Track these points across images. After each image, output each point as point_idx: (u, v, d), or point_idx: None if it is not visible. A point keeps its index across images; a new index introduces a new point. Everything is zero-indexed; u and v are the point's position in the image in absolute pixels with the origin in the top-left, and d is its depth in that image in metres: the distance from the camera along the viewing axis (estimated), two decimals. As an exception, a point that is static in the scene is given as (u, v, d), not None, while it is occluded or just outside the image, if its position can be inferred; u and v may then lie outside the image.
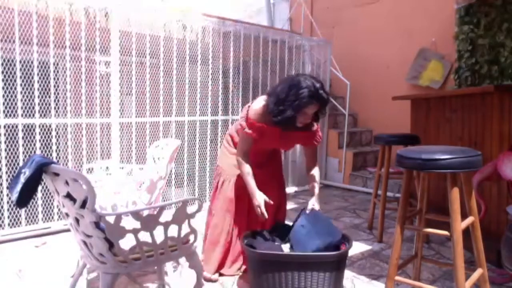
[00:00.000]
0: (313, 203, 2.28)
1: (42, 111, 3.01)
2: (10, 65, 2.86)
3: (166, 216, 1.65)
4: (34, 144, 2.99)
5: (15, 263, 2.51)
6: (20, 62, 2.87)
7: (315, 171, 2.46)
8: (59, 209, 3.06)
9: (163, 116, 3.60)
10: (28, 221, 3.03)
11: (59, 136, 3.19)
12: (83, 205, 1.50)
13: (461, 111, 2.88)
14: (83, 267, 1.92)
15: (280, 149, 2.63)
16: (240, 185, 2.35)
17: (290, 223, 2.34)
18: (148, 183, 2.25)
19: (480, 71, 4.16)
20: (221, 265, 2.38)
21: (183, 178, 3.78)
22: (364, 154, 5.16)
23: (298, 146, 4.92)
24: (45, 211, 3.10)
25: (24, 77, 2.93)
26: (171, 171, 3.57)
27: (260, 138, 2.23)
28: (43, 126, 3.03)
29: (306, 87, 2.03)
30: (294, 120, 2.10)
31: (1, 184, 2.89)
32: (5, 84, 2.85)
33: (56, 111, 3.13)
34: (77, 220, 1.59)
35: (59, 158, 3.21)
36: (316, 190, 2.39)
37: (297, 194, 4.63)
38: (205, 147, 3.93)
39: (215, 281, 2.32)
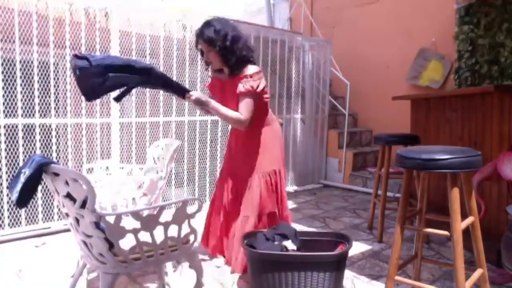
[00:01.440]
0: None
1: (42, 111, 3.01)
2: (10, 65, 2.86)
3: (166, 216, 1.65)
4: (34, 144, 2.99)
5: (15, 263, 2.51)
6: (20, 62, 2.87)
7: (229, 110, 2.31)
8: (59, 209, 3.06)
9: (163, 116, 3.60)
10: (28, 221, 3.03)
11: (59, 136, 3.19)
12: (83, 205, 1.50)
13: (461, 111, 2.88)
14: (83, 267, 1.92)
15: (223, 102, 2.44)
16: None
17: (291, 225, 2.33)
18: (148, 183, 2.25)
19: (480, 71, 4.16)
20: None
21: (183, 178, 3.78)
22: (364, 154, 5.16)
23: (298, 147, 4.93)
24: (45, 211, 3.10)
25: (24, 77, 2.93)
26: (171, 171, 3.57)
27: (213, 91, 2.50)
28: (43, 126, 3.03)
29: None
30: (205, 60, 2.35)
31: (1, 184, 2.89)
32: (5, 84, 2.85)
33: (56, 111, 3.13)
34: (77, 220, 1.59)
35: (59, 158, 3.21)
36: (212, 100, 2.29)
37: (297, 194, 4.63)
38: (205, 147, 3.93)
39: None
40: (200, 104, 2.23)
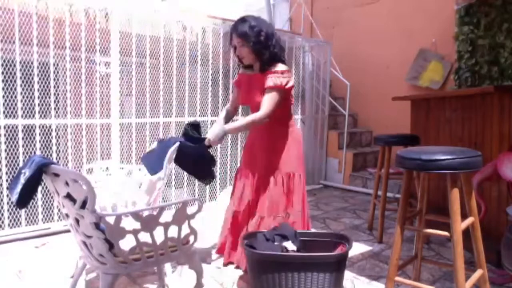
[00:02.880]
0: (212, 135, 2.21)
1: (42, 112, 3.01)
2: (10, 65, 2.86)
3: (166, 216, 1.65)
4: (34, 145, 2.99)
5: (15, 264, 2.51)
6: (20, 62, 2.87)
7: (246, 117, 2.32)
8: (59, 210, 3.06)
9: (163, 116, 3.60)
10: (28, 222, 3.03)
11: (59, 137, 3.19)
12: (83, 205, 1.50)
13: (461, 112, 2.88)
14: (83, 268, 1.92)
15: (246, 98, 2.50)
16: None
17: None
18: (147, 184, 2.25)
19: (480, 72, 4.16)
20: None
21: (183, 178, 3.78)
22: (364, 154, 5.16)
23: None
24: (45, 212, 3.10)
25: (24, 78, 2.93)
26: (170, 171, 3.57)
27: (238, 85, 2.51)
28: (43, 126, 3.03)
29: None
30: (237, 56, 2.38)
31: (1, 185, 2.89)
32: (5, 84, 2.85)
33: (56, 112, 3.13)
34: (77, 221, 1.59)
35: (59, 158, 3.21)
36: (227, 125, 2.30)
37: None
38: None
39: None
40: (221, 139, 2.23)
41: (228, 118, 2.54)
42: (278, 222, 2.38)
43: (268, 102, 2.25)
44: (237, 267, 2.38)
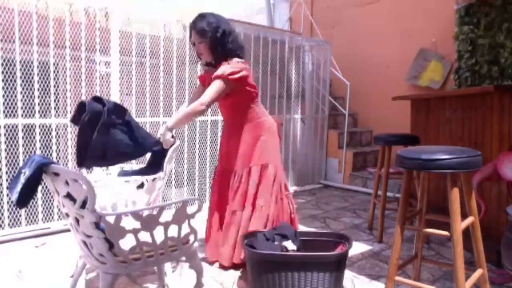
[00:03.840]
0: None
1: (42, 111, 3.01)
2: (10, 65, 2.86)
3: (166, 216, 1.65)
4: (34, 144, 2.99)
5: (15, 263, 2.51)
6: (20, 62, 2.87)
7: (186, 108, 2.32)
8: (59, 209, 3.06)
9: (163, 116, 3.60)
10: (28, 221, 3.03)
11: (59, 136, 3.19)
12: (83, 205, 1.50)
13: (461, 111, 2.88)
14: (83, 267, 1.92)
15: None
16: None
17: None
18: (147, 183, 2.25)
19: (480, 71, 4.16)
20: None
21: (183, 178, 3.78)
22: (364, 154, 5.16)
23: (298, 147, 4.93)
24: (45, 211, 3.10)
25: (24, 77, 2.93)
26: (171, 171, 3.57)
27: (203, 82, 2.52)
28: (43, 126, 3.03)
29: None
30: (196, 52, 2.41)
31: (1, 184, 2.89)
32: (5, 84, 2.85)
33: (56, 111, 3.13)
34: (77, 220, 1.59)
35: (59, 158, 3.21)
36: (168, 121, 2.25)
37: (297, 194, 4.63)
38: (205, 147, 3.93)
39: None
40: (169, 136, 2.20)
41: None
42: (248, 215, 2.38)
43: (208, 90, 2.26)
44: (223, 266, 2.42)
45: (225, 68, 2.27)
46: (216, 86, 2.26)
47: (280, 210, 2.48)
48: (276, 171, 2.46)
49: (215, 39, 2.29)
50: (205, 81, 2.49)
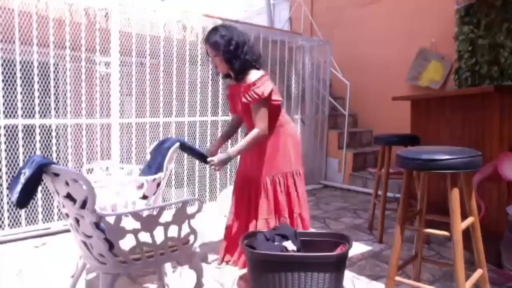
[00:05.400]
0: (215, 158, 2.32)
1: (42, 112, 3.01)
2: (10, 65, 2.86)
3: (166, 216, 1.65)
4: (34, 145, 2.99)
5: (15, 264, 2.51)
6: (20, 62, 2.87)
7: (246, 137, 2.39)
8: (59, 210, 3.06)
9: (163, 116, 3.60)
10: (28, 222, 3.03)
11: (59, 137, 3.19)
12: (83, 205, 1.50)
13: (461, 112, 2.88)
14: (83, 268, 1.92)
15: (234, 108, 2.57)
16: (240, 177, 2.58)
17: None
18: (147, 184, 2.25)
19: (480, 72, 4.16)
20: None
21: (183, 178, 3.78)
22: (364, 154, 5.16)
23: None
24: (45, 212, 3.10)
25: (24, 78, 2.93)
26: (171, 171, 3.57)
27: (229, 99, 2.56)
28: (43, 126, 3.02)
29: None
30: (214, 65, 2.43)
31: (1, 185, 2.89)
32: (5, 84, 2.85)
33: (56, 112, 3.13)
34: (77, 221, 1.59)
35: (59, 158, 3.21)
36: (231, 150, 2.37)
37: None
38: (205, 147, 3.93)
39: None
40: (225, 163, 2.32)
41: (233, 127, 2.68)
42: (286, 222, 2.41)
43: (257, 117, 2.30)
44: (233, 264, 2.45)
45: (256, 91, 2.28)
46: (261, 111, 2.30)
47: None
48: (302, 178, 2.53)
49: (229, 52, 2.28)
50: (232, 95, 2.51)
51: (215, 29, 2.34)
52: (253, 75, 2.31)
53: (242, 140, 2.38)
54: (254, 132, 2.31)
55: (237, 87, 2.38)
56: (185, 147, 2.34)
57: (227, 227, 2.57)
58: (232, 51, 2.28)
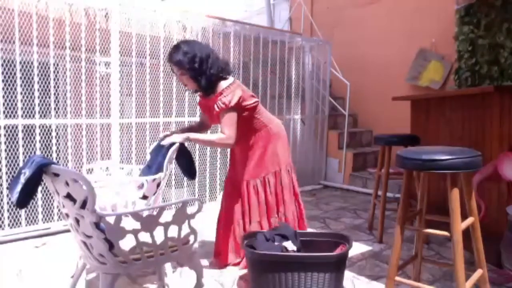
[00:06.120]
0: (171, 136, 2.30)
1: (42, 112, 3.01)
2: (10, 66, 2.86)
3: (166, 216, 1.65)
4: (34, 145, 2.99)
5: (15, 264, 2.51)
6: (20, 63, 2.87)
7: (212, 134, 2.45)
8: (59, 210, 3.06)
9: (163, 116, 3.60)
10: (28, 222, 3.03)
11: (59, 137, 3.19)
12: (83, 205, 1.50)
13: (461, 112, 2.88)
14: (83, 268, 1.92)
15: (211, 120, 2.57)
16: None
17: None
18: (147, 184, 2.25)
19: (480, 72, 4.16)
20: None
21: (183, 178, 3.77)
22: (364, 154, 5.16)
23: (298, 147, 4.93)
24: (45, 212, 3.10)
25: (24, 78, 2.93)
26: (171, 171, 3.57)
27: (202, 109, 2.57)
28: (43, 126, 3.03)
29: None
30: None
31: (1, 185, 2.89)
32: (5, 84, 2.85)
33: (56, 112, 3.13)
34: (77, 221, 1.59)
35: (59, 158, 3.21)
36: (192, 134, 2.37)
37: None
38: (205, 147, 3.93)
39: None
40: (180, 138, 2.28)
41: (200, 126, 2.66)
42: (274, 223, 2.41)
43: (223, 123, 2.30)
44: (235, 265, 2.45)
45: (223, 100, 2.28)
46: (228, 118, 2.29)
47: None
48: (287, 174, 2.51)
49: (194, 70, 2.24)
50: (203, 107, 2.53)
51: (176, 47, 2.28)
52: (221, 85, 2.31)
53: (208, 134, 2.37)
54: (219, 135, 2.31)
55: (208, 100, 2.38)
56: (184, 151, 2.33)
57: (218, 233, 2.57)
58: (197, 68, 2.24)
